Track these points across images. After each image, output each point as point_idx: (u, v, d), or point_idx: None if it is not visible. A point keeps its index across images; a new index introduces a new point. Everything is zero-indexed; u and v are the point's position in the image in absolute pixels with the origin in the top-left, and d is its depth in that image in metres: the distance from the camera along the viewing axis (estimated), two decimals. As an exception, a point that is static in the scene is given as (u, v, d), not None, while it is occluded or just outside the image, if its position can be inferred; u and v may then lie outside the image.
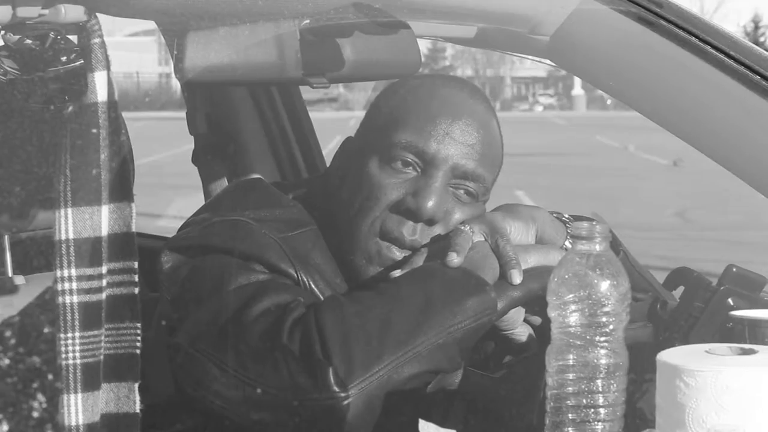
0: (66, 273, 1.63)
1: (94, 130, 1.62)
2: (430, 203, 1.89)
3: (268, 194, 2.00)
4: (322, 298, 1.88)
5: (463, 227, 1.86)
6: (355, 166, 1.96)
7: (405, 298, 1.78)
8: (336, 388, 1.70)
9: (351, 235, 1.92)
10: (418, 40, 2.18)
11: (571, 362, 1.50)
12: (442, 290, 1.79)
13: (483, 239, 1.86)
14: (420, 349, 1.75)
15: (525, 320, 1.90)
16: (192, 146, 2.89)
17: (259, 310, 1.78)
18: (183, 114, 2.83)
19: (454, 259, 1.81)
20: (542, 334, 1.84)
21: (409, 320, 1.75)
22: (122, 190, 1.66)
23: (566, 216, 1.97)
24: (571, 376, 1.50)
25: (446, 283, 1.79)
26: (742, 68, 2.02)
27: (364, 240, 1.91)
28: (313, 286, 1.89)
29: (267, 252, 1.87)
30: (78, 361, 1.63)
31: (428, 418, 2.01)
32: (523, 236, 1.88)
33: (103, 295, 1.65)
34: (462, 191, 1.93)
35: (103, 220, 1.64)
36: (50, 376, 1.87)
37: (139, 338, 1.68)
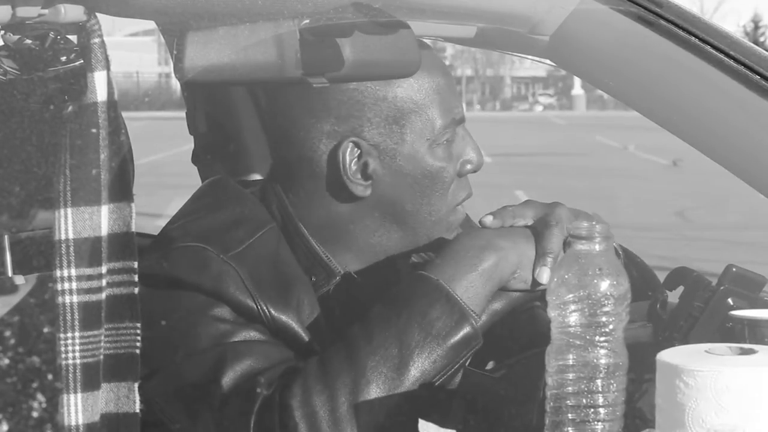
0: (66, 273, 1.63)
1: (94, 130, 1.62)
2: None
3: (231, 195, 1.99)
4: (283, 318, 1.85)
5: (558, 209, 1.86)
6: None
7: (380, 358, 1.74)
8: None
9: None
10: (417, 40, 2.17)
11: (570, 362, 1.50)
12: (420, 336, 1.75)
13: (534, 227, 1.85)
14: (403, 412, 1.73)
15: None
16: (192, 146, 2.89)
17: (223, 390, 1.76)
18: (183, 114, 2.82)
19: (490, 220, 1.84)
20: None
21: (386, 386, 1.73)
22: (122, 190, 1.66)
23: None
24: (570, 376, 1.50)
25: (425, 327, 1.75)
26: (742, 68, 2.02)
27: None
28: (272, 312, 1.85)
29: (224, 283, 1.84)
30: (78, 361, 1.63)
31: (428, 418, 2.01)
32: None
33: (103, 295, 1.65)
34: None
35: (103, 220, 1.64)
36: (50, 376, 1.87)
37: (138, 338, 1.68)
